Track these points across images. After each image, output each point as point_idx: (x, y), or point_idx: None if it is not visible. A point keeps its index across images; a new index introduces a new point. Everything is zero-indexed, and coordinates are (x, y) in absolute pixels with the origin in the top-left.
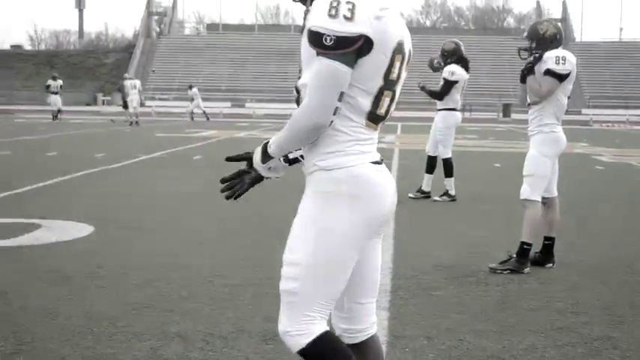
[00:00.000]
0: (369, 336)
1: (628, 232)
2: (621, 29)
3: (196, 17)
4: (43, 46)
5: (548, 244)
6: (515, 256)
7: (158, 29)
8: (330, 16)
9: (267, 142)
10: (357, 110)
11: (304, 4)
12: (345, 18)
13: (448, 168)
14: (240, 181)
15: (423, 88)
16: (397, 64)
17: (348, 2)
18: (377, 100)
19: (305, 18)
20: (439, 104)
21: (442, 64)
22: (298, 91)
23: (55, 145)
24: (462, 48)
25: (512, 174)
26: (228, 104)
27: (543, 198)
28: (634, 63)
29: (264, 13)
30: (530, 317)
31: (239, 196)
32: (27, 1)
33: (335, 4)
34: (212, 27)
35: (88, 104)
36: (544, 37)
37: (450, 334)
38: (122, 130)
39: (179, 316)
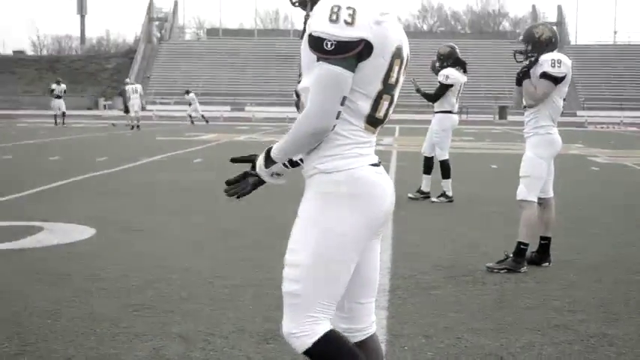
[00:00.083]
0: (368, 335)
1: (623, 231)
2: (615, 32)
3: (196, 22)
4: (45, 52)
5: (545, 243)
6: (512, 255)
7: (159, 34)
8: (332, 21)
9: (271, 147)
10: (357, 114)
11: (304, 9)
12: (346, 23)
13: (445, 169)
14: (245, 182)
15: (418, 90)
16: (396, 69)
17: (348, 7)
18: (376, 104)
19: (305, 22)
20: (436, 107)
21: (439, 67)
22: (298, 95)
23: (56, 149)
24: (458, 51)
25: (508, 175)
26: (228, 108)
27: (539, 198)
28: (628, 65)
29: (263, 18)
30: (527, 315)
31: (242, 195)
32: (29, 7)
33: (336, 9)
34: (212, 32)
35: (89, 108)
36: (540, 41)
37: (448, 332)
38: (123, 133)
39: (180, 316)
